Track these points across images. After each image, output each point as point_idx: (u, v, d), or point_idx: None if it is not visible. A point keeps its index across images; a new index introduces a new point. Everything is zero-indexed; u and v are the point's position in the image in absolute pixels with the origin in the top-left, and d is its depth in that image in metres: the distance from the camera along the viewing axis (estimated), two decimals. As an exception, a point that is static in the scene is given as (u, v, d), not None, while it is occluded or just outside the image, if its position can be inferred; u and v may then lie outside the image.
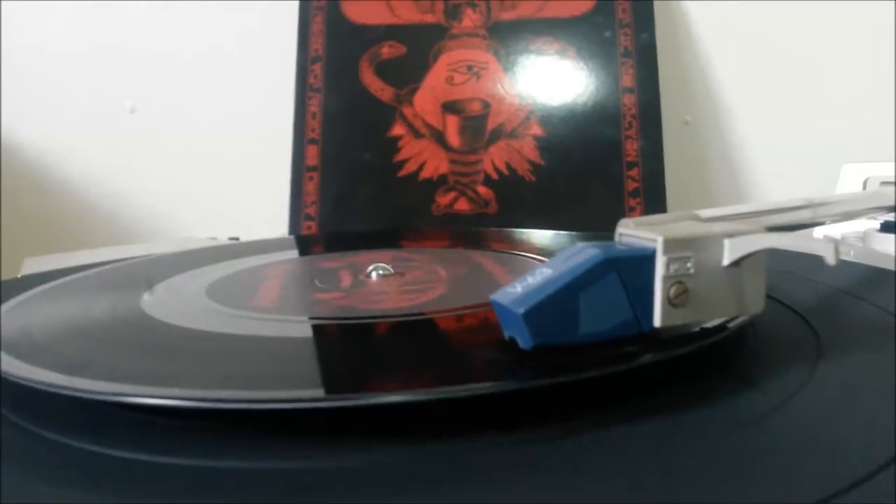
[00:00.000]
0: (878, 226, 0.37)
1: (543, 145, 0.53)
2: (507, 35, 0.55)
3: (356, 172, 0.53)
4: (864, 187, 0.43)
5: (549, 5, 0.55)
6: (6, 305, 0.24)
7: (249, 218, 0.60)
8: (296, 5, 0.56)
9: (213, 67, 0.61)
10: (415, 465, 0.14)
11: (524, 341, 0.16)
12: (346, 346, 0.20)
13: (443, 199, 0.52)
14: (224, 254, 0.33)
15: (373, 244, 0.36)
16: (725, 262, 0.17)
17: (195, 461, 0.14)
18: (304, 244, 0.43)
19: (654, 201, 0.51)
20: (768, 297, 0.18)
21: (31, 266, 0.41)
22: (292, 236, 0.51)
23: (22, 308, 0.24)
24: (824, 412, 0.16)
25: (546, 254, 0.31)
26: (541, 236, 0.39)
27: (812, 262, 0.31)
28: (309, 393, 0.16)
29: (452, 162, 0.53)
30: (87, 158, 0.61)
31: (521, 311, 0.16)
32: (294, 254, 0.37)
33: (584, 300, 0.17)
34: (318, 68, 0.55)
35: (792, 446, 0.14)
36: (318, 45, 0.55)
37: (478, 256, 0.32)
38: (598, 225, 0.49)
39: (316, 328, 0.22)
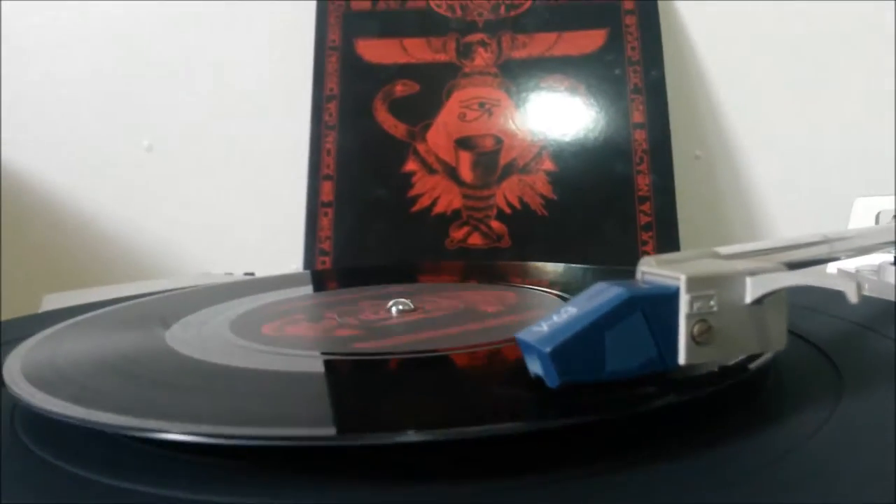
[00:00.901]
0: (892, 259, 0.37)
1: (555, 180, 0.53)
2: (519, 73, 0.56)
3: (370, 208, 0.54)
4: (877, 221, 0.43)
5: (560, 44, 0.56)
6: (32, 340, 0.24)
7: (265, 253, 0.61)
8: (311, 45, 0.57)
9: (229, 106, 0.62)
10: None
11: (550, 380, 0.17)
12: (367, 382, 0.21)
13: (456, 234, 0.53)
14: (244, 289, 0.34)
15: (390, 279, 0.36)
16: (748, 300, 0.18)
17: (213, 497, 0.14)
18: (321, 279, 0.43)
19: (667, 235, 0.51)
20: (788, 331, 0.19)
21: (51, 302, 0.41)
22: (309, 271, 0.52)
23: (48, 342, 0.24)
24: (847, 448, 0.16)
25: (562, 287, 0.32)
26: (556, 270, 0.39)
27: (829, 296, 0.31)
28: (323, 431, 0.16)
29: (465, 197, 0.54)
30: (105, 195, 0.62)
31: (548, 349, 0.16)
32: (311, 289, 0.38)
33: (609, 339, 0.17)
34: (333, 106, 0.56)
35: (815, 484, 0.14)
36: (333, 83, 0.56)
37: (497, 291, 0.32)
38: (610, 259, 0.50)
39: (331, 363, 0.22)
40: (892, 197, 0.43)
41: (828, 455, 0.16)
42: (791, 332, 0.24)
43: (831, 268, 0.39)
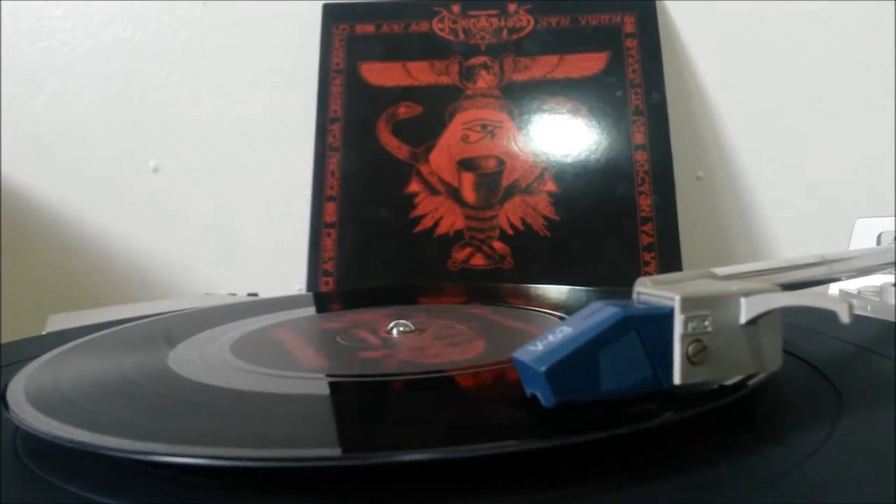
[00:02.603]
0: (893, 280, 0.37)
1: (558, 201, 0.54)
2: (521, 95, 0.56)
3: (373, 229, 0.54)
4: (879, 242, 0.43)
5: (562, 66, 0.57)
6: (36, 362, 0.24)
7: (269, 274, 0.61)
8: (316, 68, 0.58)
9: (235, 128, 0.62)
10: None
11: (546, 399, 0.17)
12: (366, 403, 0.21)
13: (459, 255, 0.53)
14: (246, 311, 0.34)
15: (391, 300, 0.36)
16: (742, 320, 0.18)
17: None
18: (323, 301, 0.43)
19: (669, 255, 0.51)
20: (787, 352, 0.19)
21: (56, 323, 0.42)
22: (311, 293, 0.52)
23: (51, 364, 0.24)
24: (846, 469, 0.16)
25: (562, 308, 0.32)
26: (557, 291, 0.39)
27: (829, 317, 0.31)
28: (325, 452, 0.16)
29: (468, 218, 0.54)
30: (111, 216, 0.62)
31: (543, 369, 0.16)
32: (313, 310, 0.38)
33: (604, 358, 0.17)
34: (336, 128, 0.56)
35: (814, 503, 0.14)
36: (336, 106, 0.57)
37: (496, 313, 0.32)
38: (613, 279, 0.50)
39: (335, 385, 0.22)
40: (893, 218, 0.43)
41: (826, 475, 0.16)
42: (790, 353, 0.25)
43: (832, 289, 0.39)
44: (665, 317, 0.17)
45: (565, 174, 0.54)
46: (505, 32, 0.58)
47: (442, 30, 0.58)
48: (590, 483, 0.16)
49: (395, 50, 0.58)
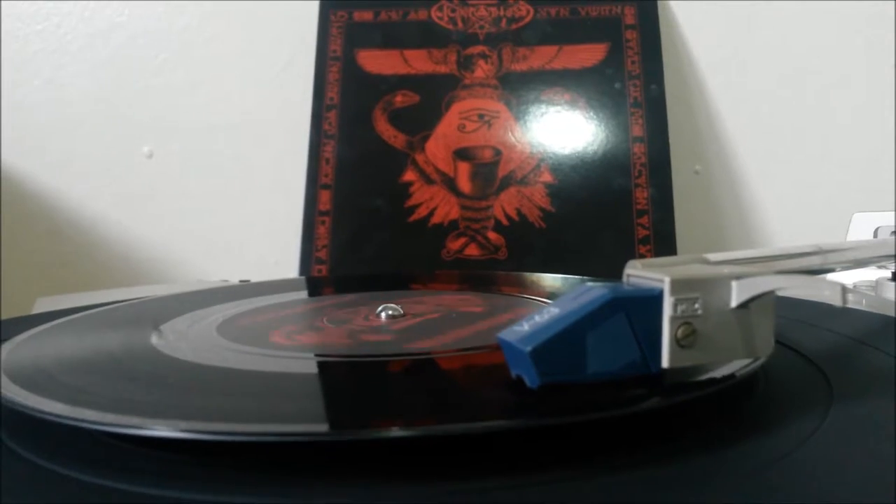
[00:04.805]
0: (889, 275, 0.37)
1: (554, 192, 0.53)
2: (519, 85, 0.56)
3: (368, 217, 0.54)
4: (875, 236, 0.43)
5: (560, 57, 0.56)
6: (18, 338, 0.24)
7: (261, 261, 0.61)
8: (313, 55, 0.57)
9: (230, 114, 0.62)
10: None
11: (531, 380, 0.16)
12: (350, 382, 0.20)
13: (453, 245, 0.53)
14: (235, 294, 0.34)
15: (383, 287, 0.36)
16: (733, 303, 0.17)
17: (195, 495, 0.14)
18: (315, 285, 0.43)
19: (665, 249, 0.51)
20: (780, 343, 0.18)
21: (43, 305, 0.41)
22: (303, 277, 0.51)
23: (33, 341, 0.24)
24: (835, 459, 0.16)
25: (557, 297, 0.31)
26: (551, 280, 0.39)
27: (823, 310, 0.31)
28: (313, 427, 0.16)
29: (463, 208, 0.53)
30: (104, 202, 0.62)
31: (528, 349, 0.16)
32: (304, 294, 0.37)
33: (591, 339, 0.17)
34: (332, 116, 0.56)
35: (802, 492, 0.14)
36: (333, 93, 0.56)
37: (486, 299, 0.32)
38: (608, 271, 0.49)
39: (322, 364, 0.22)
40: (891, 213, 0.43)
41: (814, 465, 0.15)
42: (782, 344, 0.24)
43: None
44: (654, 299, 0.17)
45: (562, 165, 0.54)
46: (504, 22, 0.57)
47: (441, 18, 0.58)
48: (574, 467, 0.15)
49: (393, 38, 0.57)
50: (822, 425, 0.17)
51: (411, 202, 0.54)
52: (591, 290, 0.17)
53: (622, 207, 0.52)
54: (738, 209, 0.61)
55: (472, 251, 0.53)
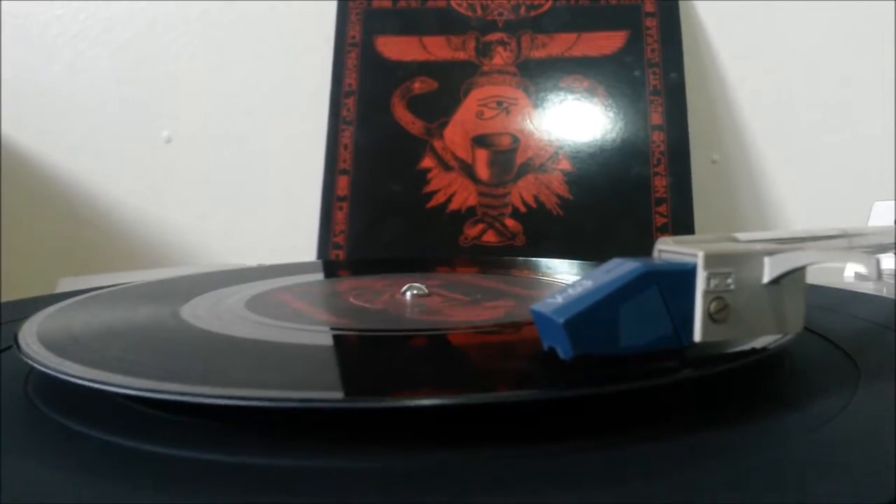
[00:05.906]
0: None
1: (572, 180, 0.53)
2: (538, 73, 0.56)
3: (385, 203, 0.54)
4: (897, 225, 0.43)
5: (579, 44, 0.56)
6: (49, 309, 0.24)
7: (279, 247, 0.61)
8: (332, 42, 0.58)
9: (249, 99, 0.62)
10: (446, 470, 0.14)
11: (564, 351, 0.16)
12: (387, 355, 0.21)
13: (471, 231, 0.53)
14: (259, 274, 0.34)
15: (403, 270, 0.36)
16: (766, 279, 0.17)
17: (213, 455, 0.14)
18: (334, 268, 0.43)
19: (682, 237, 0.51)
20: (807, 329, 0.18)
21: (66, 285, 0.42)
22: (325, 260, 0.52)
23: (64, 312, 0.24)
24: (867, 433, 0.16)
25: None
26: (570, 265, 0.39)
27: (845, 297, 0.31)
28: (334, 395, 0.16)
29: (481, 194, 0.54)
30: (123, 187, 0.62)
31: (562, 320, 0.16)
32: (324, 275, 0.38)
33: (624, 312, 0.17)
34: (351, 102, 0.56)
35: (826, 469, 0.14)
36: (352, 79, 0.57)
37: (511, 283, 0.32)
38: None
39: (343, 338, 0.22)
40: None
41: (840, 440, 0.15)
42: (809, 330, 0.24)
43: (849, 269, 0.38)
44: (688, 273, 0.17)
45: (580, 153, 0.54)
46: (523, 9, 0.57)
47: (459, 5, 0.58)
48: (605, 436, 0.15)
49: (412, 24, 0.58)
50: (848, 405, 0.17)
51: (429, 188, 0.54)
52: (625, 264, 0.17)
53: (640, 195, 0.52)
54: (756, 198, 0.60)
55: (490, 238, 0.53)
